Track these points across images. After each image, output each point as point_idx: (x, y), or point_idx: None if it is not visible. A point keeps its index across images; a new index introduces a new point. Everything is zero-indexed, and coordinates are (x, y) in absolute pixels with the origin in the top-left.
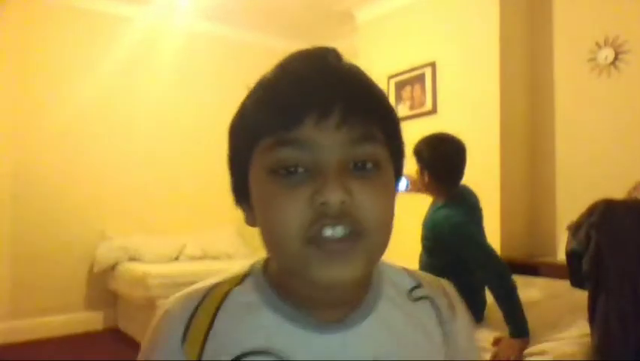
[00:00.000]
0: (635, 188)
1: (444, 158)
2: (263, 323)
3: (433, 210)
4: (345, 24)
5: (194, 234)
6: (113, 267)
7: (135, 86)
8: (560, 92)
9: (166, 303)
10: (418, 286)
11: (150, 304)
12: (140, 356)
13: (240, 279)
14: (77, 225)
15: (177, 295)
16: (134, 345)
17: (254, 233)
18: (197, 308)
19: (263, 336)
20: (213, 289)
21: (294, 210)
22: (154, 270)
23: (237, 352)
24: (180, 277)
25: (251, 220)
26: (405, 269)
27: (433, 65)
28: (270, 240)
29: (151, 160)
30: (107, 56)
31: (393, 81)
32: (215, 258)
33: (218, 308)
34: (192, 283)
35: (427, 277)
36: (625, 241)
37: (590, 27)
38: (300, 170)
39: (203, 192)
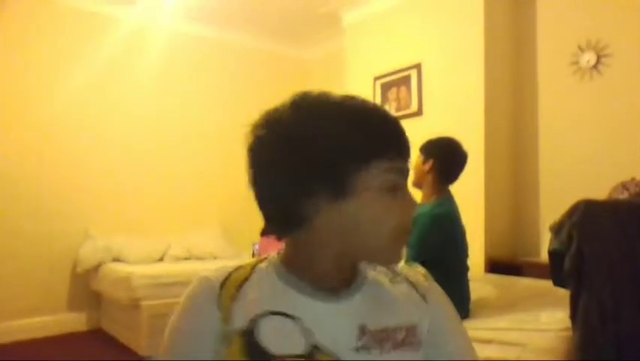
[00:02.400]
0: (615, 189)
1: (452, 153)
2: (276, 292)
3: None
4: (332, 26)
5: (178, 234)
6: (96, 267)
7: (120, 85)
8: (543, 94)
9: (203, 272)
10: (396, 274)
11: (134, 304)
12: (175, 317)
13: (262, 260)
14: (60, 224)
15: (214, 268)
16: (117, 346)
17: (238, 234)
18: (228, 277)
19: (275, 301)
20: (242, 266)
21: (394, 219)
22: (138, 270)
23: (256, 311)
24: (165, 277)
25: (300, 233)
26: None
27: (418, 66)
28: (366, 237)
29: (136, 160)
30: (92, 55)
31: (379, 82)
32: (200, 258)
33: (246, 278)
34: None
35: (404, 266)
36: (605, 240)
37: (573, 31)
38: (399, 191)
39: (189, 193)
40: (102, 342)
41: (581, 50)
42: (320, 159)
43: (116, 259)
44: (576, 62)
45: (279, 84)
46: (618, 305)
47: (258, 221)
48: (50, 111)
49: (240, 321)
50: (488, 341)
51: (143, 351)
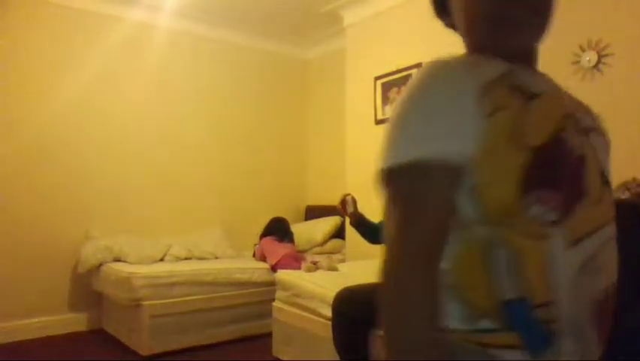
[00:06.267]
0: (616, 189)
1: None
2: (494, 62)
3: None
4: (332, 25)
5: (179, 234)
6: (97, 267)
7: (120, 85)
8: None
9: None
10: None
11: (135, 305)
12: (425, 84)
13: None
14: (62, 225)
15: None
16: (118, 346)
17: (239, 234)
18: (460, 62)
19: (502, 66)
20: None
21: None
22: (139, 271)
23: (501, 67)
24: (166, 278)
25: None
26: None
27: (419, 66)
28: None
29: (136, 160)
30: (92, 54)
31: (380, 82)
32: (201, 259)
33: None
34: (178, 284)
35: None
36: None
37: (574, 30)
38: None
39: (190, 193)
40: (103, 342)
41: (582, 49)
42: None
43: (117, 259)
44: (577, 62)
45: (279, 84)
46: (619, 305)
47: (258, 221)
48: (50, 111)
49: (490, 76)
50: None
51: (144, 351)
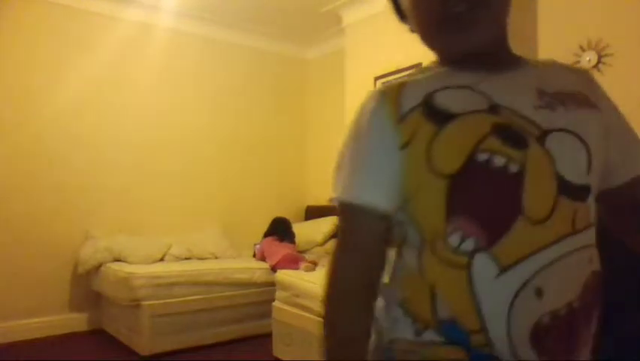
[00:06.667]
0: None
1: None
2: (444, 76)
3: None
4: (332, 25)
5: (179, 234)
6: (97, 268)
7: (121, 85)
8: None
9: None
10: (554, 64)
11: (135, 305)
12: (351, 131)
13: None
14: (61, 225)
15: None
16: (118, 346)
17: (239, 234)
18: (392, 85)
19: (446, 80)
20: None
21: None
22: (139, 271)
23: (428, 90)
24: (166, 278)
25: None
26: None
27: (419, 66)
28: None
29: (137, 160)
30: (93, 54)
31: (379, 82)
32: (201, 258)
33: (406, 81)
34: (178, 284)
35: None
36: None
37: (574, 30)
38: None
39: (189, 193)
40: (103, 342)
41: (582, 49)
42: None
43: (117, 260)
44: (577, 62)
45: (279, 84)
46: (620, 305)
47: (258, 221)
48: (50, 112)
49: (411, 103)
50: None
51: (144, 351)
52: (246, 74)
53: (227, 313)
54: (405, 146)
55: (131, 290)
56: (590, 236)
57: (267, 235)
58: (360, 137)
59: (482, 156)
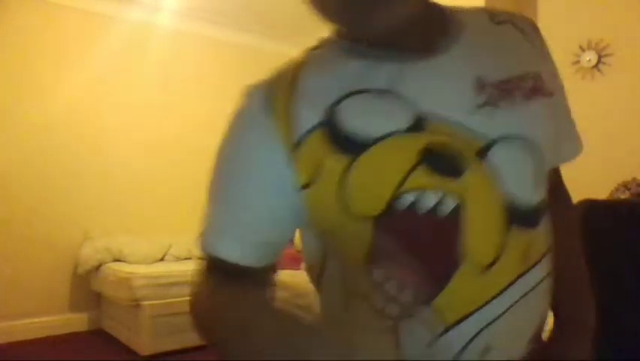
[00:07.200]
0: (616, 189)
1: None
2: (349, 70)
3: None
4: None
5: (179, 234)
6: (97, 268)
7: (120, 85)
8: None
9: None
10: (495, 15)
11: (135, 305)
12: (223, 143)
13: (313, 48)
14: (61, 225)
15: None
16: (118, 346)
17: None
18: (276, 76)
19: (352, 80)
20: (289, 62)
21: None
22: (139, 271)
23: (332, 100)
24: (165, 277)
25: None
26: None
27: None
28: None
29: (136, 159)
30: (93, 54)
31: None
32: (201, 258)
33: (298, 70)
34: (178, 284)
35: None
36: (607, 240)
37: (574, 30)
38: None
39: (189, 193)
40: (103, 343)
41: (582, 49)
42: None
43: (117, 260)
44: (577, 62)
45: None
46: (619, 305)
47: None
48: (50, 112)
49: (309, 120)
50: None
51: (144, 351)
52: (246, 74)
53: None
54: (306, 186)
55: (131, 290)
56: (545, 265)
57: None
58: (232, 166)
59: (408, 198)
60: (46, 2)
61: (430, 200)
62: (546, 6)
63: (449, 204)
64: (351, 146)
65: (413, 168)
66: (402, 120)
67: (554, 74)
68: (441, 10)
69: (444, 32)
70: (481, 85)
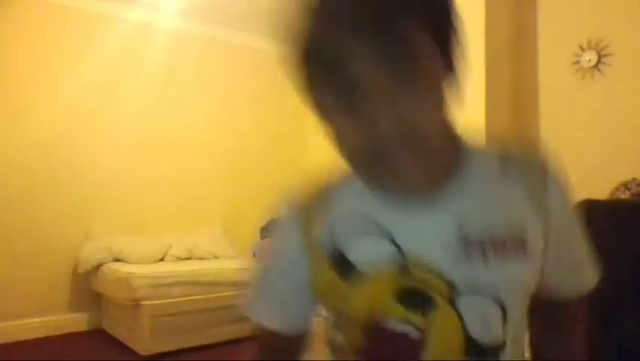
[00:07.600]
0: (617, 189)
1: None
2: (367, 210)
3: None
4: None
5: (179, 234)
6: (97, 268)
7: (120, 85)
8: (545, 94)
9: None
10: (507, 162)
11: (135, 305)
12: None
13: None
14: (61, 225)
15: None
16: (118, 346)
17: (239, 234)
18: (313, 201)
19: (367, 223)
20: (325, 181)
21: None
22: (139, 271)
23: (349, 239)
24: (165, 277)
25: None
26: (495, 148)
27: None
28: None
29: (136, 160)
30: (93, 54)
31: None
32: (201, 258)
33: (330, 196)
34: (177, 284)
35: (520, 150)
36: (607, 240)
37: (574, 30)
38: None
39: (189, 193)
40: (103, 342)
41: (582, 49)
42: None
43: (117, 260)
44: (577, 62)
45: (279, 84)
46: (619, 305)
47: (258, 221)
48: (50, 112)
49: (327, 249)
50: None
51: (144, 351)
52: (246, 74)
53: (227, 313)
54: (312, 282)
55: (130, 290)
56: None
57: (263, 235)
58: (271, 262)
59: (388, 320)
60: (47, 2)
61: (402, 327)
62: (546, 6)
63: (416, 333)
64: (344, 270)
65: (389, 301)
66: (387, 258)
67: (565, 211)
68: (458, 149)
69: (449, 175)
70: (465, 241)
